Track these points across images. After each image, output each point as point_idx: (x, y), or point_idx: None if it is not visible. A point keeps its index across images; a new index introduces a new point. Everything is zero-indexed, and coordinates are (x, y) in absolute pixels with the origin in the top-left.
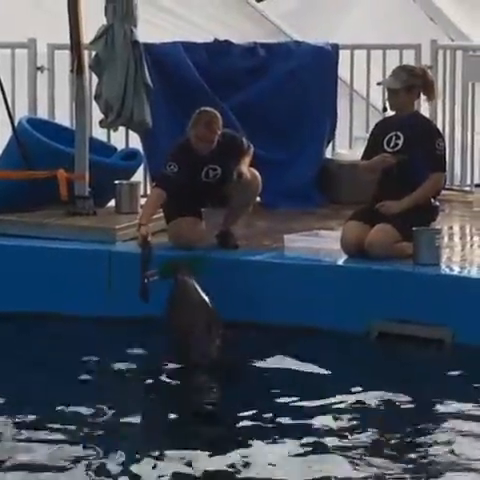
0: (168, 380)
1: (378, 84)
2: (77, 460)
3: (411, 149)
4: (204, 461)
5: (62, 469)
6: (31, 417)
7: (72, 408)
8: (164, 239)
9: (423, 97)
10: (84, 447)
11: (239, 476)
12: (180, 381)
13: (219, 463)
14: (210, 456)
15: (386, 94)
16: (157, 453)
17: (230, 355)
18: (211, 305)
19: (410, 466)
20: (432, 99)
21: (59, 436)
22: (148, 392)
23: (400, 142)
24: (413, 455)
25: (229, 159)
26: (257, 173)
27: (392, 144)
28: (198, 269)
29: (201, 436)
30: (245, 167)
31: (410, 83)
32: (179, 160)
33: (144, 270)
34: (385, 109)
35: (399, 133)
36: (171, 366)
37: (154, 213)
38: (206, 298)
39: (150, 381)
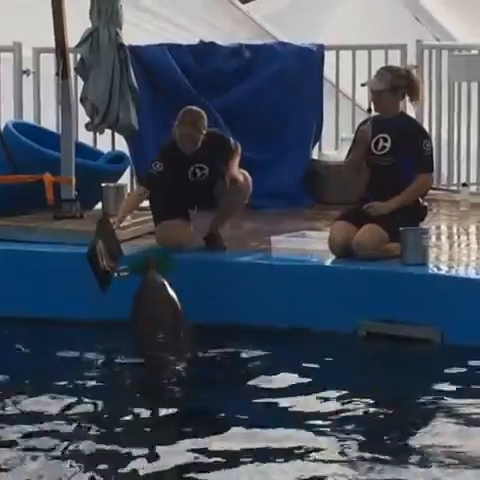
0: (160, 380)
1: (362, 85)
2: (69, 458)
3: (399, 151)
4: (192, 458)
5: (53, 466)
6: (17, 419)
7: (65, 408)
8: (152, 241)
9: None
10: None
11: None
12: (168, 380)
13: (204, 464)
14: (198, 454)
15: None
16: (146, 450)
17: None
18: (179, 302)
19: (398, 464)
20: (416, 100)
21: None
22: (136, 391)
23: (388, 145)
24: (401, 454)
25: (216, 158)
26: (248, 175)
27: (380, 147)
28: (168, 266)
29: (188, 434)
30: (236, 170)
31: (394, 84)
32: (164, 159)
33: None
34: (370, 110)
35: (386, 135)
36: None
37: (132, 211)
38: (174, 295)
39: (141, 381)
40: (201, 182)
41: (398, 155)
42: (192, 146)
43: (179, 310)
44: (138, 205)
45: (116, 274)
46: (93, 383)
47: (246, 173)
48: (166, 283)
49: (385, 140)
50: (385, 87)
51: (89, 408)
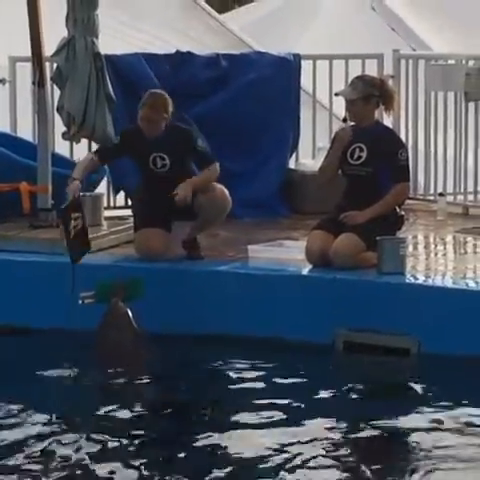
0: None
1: (336, 95)
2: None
3: (375, 161)
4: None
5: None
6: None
7: (43, 419)
8: (130, 250)
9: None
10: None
11: None
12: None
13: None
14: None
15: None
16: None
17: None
18: (139, 332)
19: (376, 475)
20: (391, 109)
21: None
22: (110, 402)
23: (364, 154)
24: (378, 465)
25: (177, 150)
26: (226, 191)
27: (356, 156)
28: (134, 293)
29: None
30: (183, 188)
31: (367, 93)
32: (124, 136)
33: (68, 225)
34: (345, 120)
35: (362, 145)
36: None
37: (85, 173)
38: (136, 326)
39: (114, 391)
40: (163, 174)
41: (374, 165)
42: (151, 129)
43: (140, 340)
44: (90, 170)
45: (81, 301)
46: (73, 393)
47: (224, 189)
48: (129, 312)
49: (361, 150)
50: (358, 96)
51: (72, 422)
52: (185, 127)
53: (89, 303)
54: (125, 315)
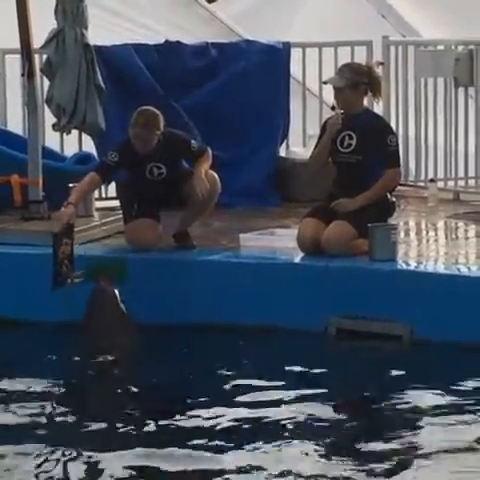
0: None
1: (324, 83)
2: (38, 460)
3: (365, 148)
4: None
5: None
6: None
7: (35, 415)
8: (121, 241)
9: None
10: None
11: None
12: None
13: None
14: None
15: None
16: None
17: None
18: (126, 313)
19: (367, 462)
20: (378, 96)
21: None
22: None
23: (353, 142)
24: (370, 451)
25: (173, 159)
26: (216, 176)
27: (345, 144)
28: (120, 276)
29: (162, 442)
30: (203, 182)
31: (355, 81)
32: (121, 153)
33: (58, 250)
34: (333, 107)
35: (351, 133)
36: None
37: (83, 196)
38: (123, 307)
39: (109, 383)
40: (160, 181)
41: (364, 152)
42: (144, 147)
43: (127, 320)
44: (90, 192)
45: (70, 280)
46: (67, 385)
47: (214, 174)
48: (117, 293)
49: (350, 137)
50: (346, 84)
51: (59, 415)
52: (179, 135)
53: (78, 282)
54: (113, 296)
